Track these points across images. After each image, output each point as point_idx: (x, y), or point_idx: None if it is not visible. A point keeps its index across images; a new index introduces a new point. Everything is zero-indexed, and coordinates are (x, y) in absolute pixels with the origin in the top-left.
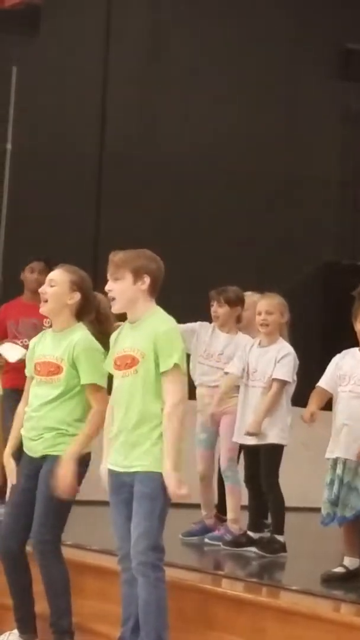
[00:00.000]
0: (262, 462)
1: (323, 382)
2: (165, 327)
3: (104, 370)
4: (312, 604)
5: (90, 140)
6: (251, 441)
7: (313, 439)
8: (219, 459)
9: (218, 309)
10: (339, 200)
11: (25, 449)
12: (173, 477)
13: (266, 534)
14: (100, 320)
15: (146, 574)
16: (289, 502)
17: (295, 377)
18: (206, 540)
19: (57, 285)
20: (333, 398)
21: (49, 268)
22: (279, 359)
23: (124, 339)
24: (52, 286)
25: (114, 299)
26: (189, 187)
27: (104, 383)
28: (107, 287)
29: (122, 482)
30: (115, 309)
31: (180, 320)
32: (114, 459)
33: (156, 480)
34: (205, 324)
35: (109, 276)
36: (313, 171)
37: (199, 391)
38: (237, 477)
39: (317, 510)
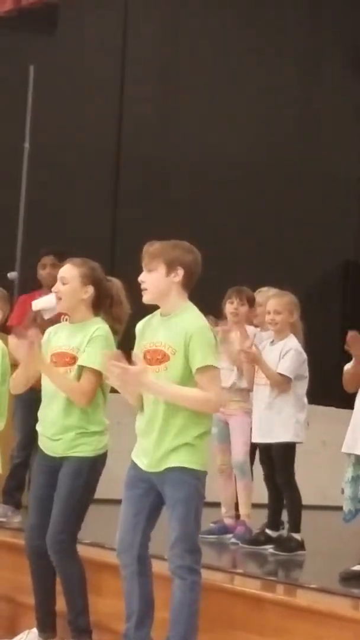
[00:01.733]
0: (275, 460)
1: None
2: (198, 324)
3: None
4: (331, 602)
5: (107, 138)
6: (264, 440)
7: (332, 437)
8: None
9: (240, 307)
10: (358, 198)
11: (42, 447)
12: (144, 376)
13: (283, 532)
14: (112, 305)
15: (183, 576)
16: (308, 500)
17: (306, 373)
18: (232, 541)
19: (68, 282)
20: (357, 395)
21: (61, 260)
22: (283, 355)
23: (154, 332)
24: (64, 284)
25: (145, 289)
26: (206, 185)
27: (101, 369)
28: (140, 278)
29: (142, 479)
30: (146, 299)
31: None
32: (140, 456)
33: (187, 483)
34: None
35: (143, 266)
36: (332, 169)
37: None
38: (251, 472)
39: (336, 508)
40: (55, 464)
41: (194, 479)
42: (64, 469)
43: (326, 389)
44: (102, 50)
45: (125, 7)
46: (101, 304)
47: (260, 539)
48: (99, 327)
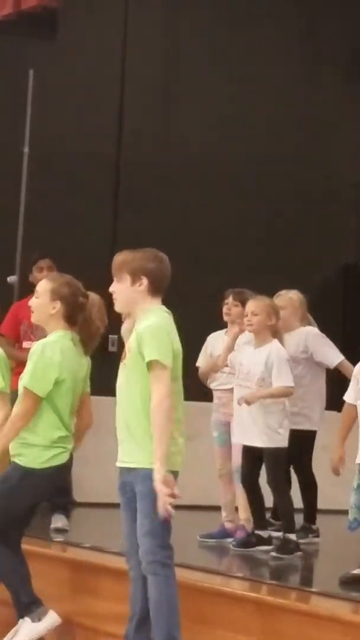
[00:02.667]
0: (265, 465)
1: (349, 398)
2: (148, 322)
3: (39, 378)
4: (331, 606)
5: (107, 142)
6: (251, 442)
7: (332, 442)
8: None
9: (233, 308)
10: (359, 201)
11: None
12: (158, 472)
13: (277, 534)
14: (83, 322)
15: (156, 572)
16: None
17: None
18: (232, 545)
19: (39, 296)
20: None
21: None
22: (273, 364)
23: (128, 335)
24: (36, 297)
25: (116, 299)
26: (206, 188)
27: (32, 389)
28: (110, 288)
29: (124, 482)
30: (117, 308)
31: (196, 319)
32: (118, 455)
33: (150, 478)
34: (214, 334)
35: (113, 276)
36: (332, 172)
37: (214, 393)
38: None
39: (336, 512)
40: None
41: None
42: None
43: (328, 394)
44: (102, 54)
45: (125, 11)
46: (73, 318)
47: (251, 541)
48: (39, 343)
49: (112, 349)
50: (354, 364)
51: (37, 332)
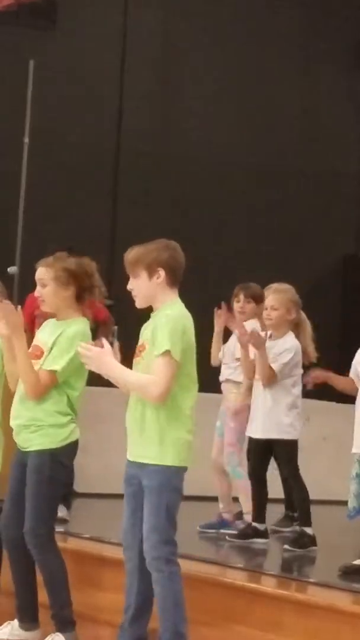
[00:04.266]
0: (280, 457)
1: (352, 374)
2: (165, 313)
3: (69, 362)
4: (330, 597)
5: (107, 133)
6: (260, 435)
7: (332, 433)
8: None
9: (246, 305)
10: (358, 193)
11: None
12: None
13: (280, 527)
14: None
15: (160, 568)
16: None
17: (299, 372)
18: (225, 533)
19: (47, 284)
20: (358, 393)
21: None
22: (279, 353)
23: (145, 330)
24: (44, 285)
25: (135, 296)
26: (205, 181)
27: (59, 371)
28: (128, 286)
29: (132, 475)
30: (138, 305)
31: (195, 314)
32: (128, 448)
33: (161, 473)
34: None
35: (128, 273)
36: (331, 164)
37: (221, 385)
38: (236, 471)
39: (336, 503)
40: (24, 457)
41: (167, 468)
42: (28, 464)
43: (326, 384)
44: (102, 45)
45: (124, 1)
46: (83, 295)
47: (247, 533)
48: (74, 330)
49: (111, 339)
50: (353, 353)
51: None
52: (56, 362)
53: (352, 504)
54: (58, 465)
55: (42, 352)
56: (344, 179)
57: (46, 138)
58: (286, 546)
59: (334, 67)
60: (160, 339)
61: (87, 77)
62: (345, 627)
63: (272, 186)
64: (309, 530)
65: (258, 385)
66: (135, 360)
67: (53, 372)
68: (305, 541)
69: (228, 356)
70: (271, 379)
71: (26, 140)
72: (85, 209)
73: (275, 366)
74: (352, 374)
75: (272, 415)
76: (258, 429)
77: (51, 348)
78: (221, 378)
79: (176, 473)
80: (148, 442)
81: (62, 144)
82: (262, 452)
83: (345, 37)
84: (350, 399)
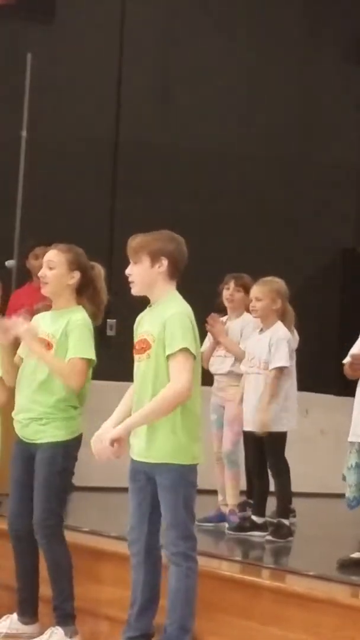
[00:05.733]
0: (266, 450)
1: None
2: (174, 310)
3: (93, 346)
4: (329, 590)
5: (105, 126)
6: (253, 429)
7: (330, 425)
8: None
9: (235, 294)
10: (357, 186)
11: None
12: (115, 432)
13: (271, 519)
14: (94, 292)
15: (178, 563)
16: (306, 488)
17: (293, 360)
18: (228, 531)
19: (56, 267)
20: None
21: None
22: (272, 344)
23: (143, 323)
24: (51, 268)
25: (132, 282)
26: (205, 172)
27: (91, 356)
28: (127, 271)
29: (137, 470)
30: (134, 291)
31: (194, 303)
32: (132, 446)
33: (174, 471)
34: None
35: (130, 259)
36: (330, 157)
37: (214, 377)
38: (239, 462)
39: (335, 496)
40: (29, 450)
41: (182, 466)
42: (38, 456)
43: (324, 378)
44: (100, 38)
45: None
46: (84, 290)
47: (245, 526)
48: (81, 317)
49: (110, 333)
50: (351, 346)
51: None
52: (85, 351)
53: (351, 493)
54: (70, 457)
55: (49, 343)
56: (343, 173)
57: (44, 131)
58: (268, 537)
59: (336, 59)
60: (175, 337)
61: (85, 70)
62: (345, 620)
63: (271, 178)
64: (286, 521)
65: (248, 378)
66: (139, 357)
67: (86, 360)
68: (284, 532)
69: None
70: (281, 375)
71: (24, 133)
72: (83, 202)
73: (282, 363)
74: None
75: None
76: (249, 422)
77: (60, 337)
78: (219, 370)
79: (190, 469)
80: (161, 441)
81: (60, 138)
82: (257, 445)
83: (348, 27)
84: (348, 392)
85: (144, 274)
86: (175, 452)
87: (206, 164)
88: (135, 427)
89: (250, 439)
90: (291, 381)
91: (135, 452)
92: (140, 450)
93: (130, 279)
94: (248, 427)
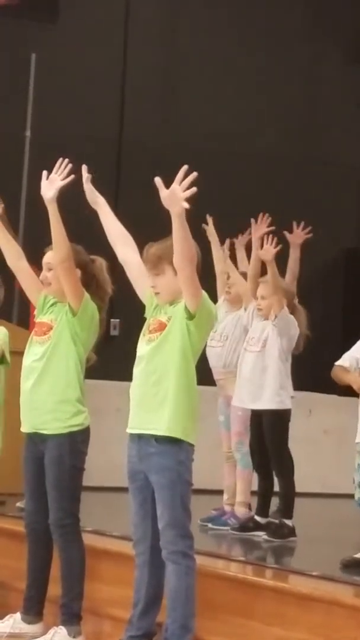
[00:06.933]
0: (266, 430)
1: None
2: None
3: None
4: (333, 590)
5: (109, 127)
6: (249, 405)
7: (333, 426)
8: None
9: (234, 286)
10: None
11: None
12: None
13: (274, 519)
14: (97, 285)
15: (177, 561)
16: (309, 488)
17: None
18: (209, 525)
19: (54, 267)
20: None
21: None
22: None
23: (159, 311)
24: (50, 269)
25: (158, 293)
26: (207, 174)
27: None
28: (150, 283)
29: (136, 470)
30: (161, 301)
31: None
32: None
33: (169, 469)
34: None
35: (148, 270)
36: (332, 156)
37: (213, 374)
38: (246, 460)
39: (338, 496)
40: (39, 449)
41: (176, 464)
42: (47, 455)
43: (327, 378)
44: (104, 38)
45: None
46: (88, 285)
47: (249, 526)
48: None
49: (114, 332)
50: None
51: None
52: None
53: (358, 494)
54: (77, 453)
55: (50, 328)
56: (346, 172)
57: (48, 131)
58: (264, 537)
59: (339, 58)
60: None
61: (89, 70)
62: (349, 620)
63: (274, 178)
64: (289, 522)
65: (245, 356)
66: (149, 337)
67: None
68: (284, 532)
69: (230, 343)
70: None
71: (28, 133)
72: (87, 201)
73: (291, 342)
74: (349, 362)
75: (261, 383)
76: (243, 400)
77: (59, 323)
78: (222, 369)
79: (186, 463)
80: (170, 414)
81: (63, 137)
82: (259, 432)
83: (351, 26)
84: (351, 392)
85: (170, 284)
86: (181, 428)
87: (208, 166)
88: (177, 229)
89: (252, 419)
90: (288, 364)
91: (134, 425)
92: (143, 423)
93: (155, 291)
94: (241, 404)
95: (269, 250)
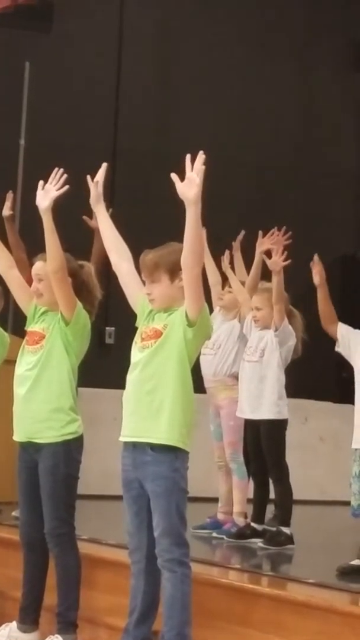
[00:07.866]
0: (263, 440)
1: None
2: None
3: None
4: (329, 597)
5: (103, 135)
6: (248, 415)
7: (329, 433)
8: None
9: (227, 294)
10: (356, 193)
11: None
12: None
13: (271, 527)
14: (86, 291)
15: (173, 569)
16: (305, 495)
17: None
18: (214, 534)
19: (44, 278)
20: (356, 388)
21: None
22: (282, 338)
23: (156, 317)
24: (40, 280)
25: (153, 299)
26: (204, 179)
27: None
28: (145, 290)
29: (130, 479)
30: (156, 307)
31: None
32: (127, 430)
33: (165, 477)
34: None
35: (144, 278)
36: (329, 163)
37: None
38: (241, 470)
39: (334, 503)
40: (33, 458)
41: (172, 471)
42: (41, 463)
43: (323, 385)
44: (98, 46)
45: (120, 3)
46: (78, 291)
47: (245, 533)
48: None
49: (109, 340)
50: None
51: None
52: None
53: (355, 502)
54: (72, 461)
55: (42, 337)
56: (343, 179)
57: (42, 139)
58: (260, 544)
59: (334, 65)
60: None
61: (84, 79)
62: (345, 628)
63: (271, 185)
64: (287, 530)
65: (244, 367)
66: (143, 344)
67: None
68: (281, 539)
69: (222, 352)
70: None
71: (22, 141)
72: (81, 210)
73: (288, 352)
74: (342, 348)
75: (260, 394)
76: (244, 411)
77: (52, 332)
78: (212, 377)
79: (181, 470)
80: (166, 422)
81: (58, 145)
82: (257, 439)
83: (346, 34)
84: (347, 399)
85: (166, 291)
86: (177, 435)
87: (205, 171)
88: (191, 220)
89: (248, 427)
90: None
91: (127, 433)
92: (137, 431)
93: (150, 297)
94: (242, 415)
95: (278, 263)
